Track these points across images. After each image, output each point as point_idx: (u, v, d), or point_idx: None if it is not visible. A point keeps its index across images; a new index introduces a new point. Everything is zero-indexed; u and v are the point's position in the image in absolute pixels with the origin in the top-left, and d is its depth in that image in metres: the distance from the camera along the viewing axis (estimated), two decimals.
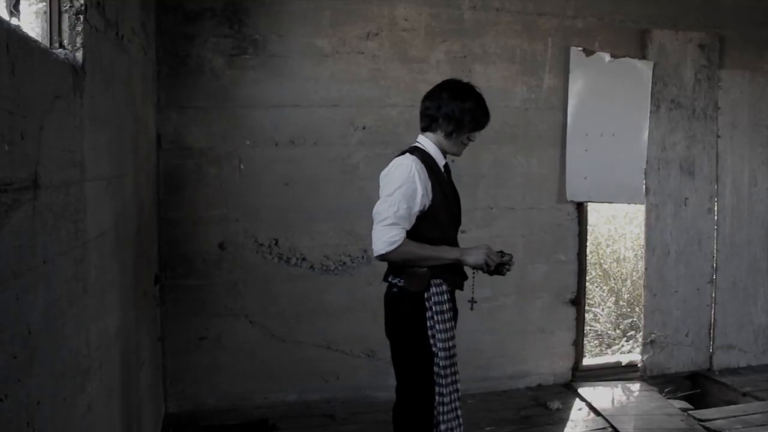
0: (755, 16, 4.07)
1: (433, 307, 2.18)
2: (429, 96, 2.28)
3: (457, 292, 2.33)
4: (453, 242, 2.30)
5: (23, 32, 1.30)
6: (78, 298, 1.55)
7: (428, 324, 2.18)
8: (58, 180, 1.40)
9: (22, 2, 1.48)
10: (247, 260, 3.37)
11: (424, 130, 2.29)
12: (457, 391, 2.22)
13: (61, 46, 1.59)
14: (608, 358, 4.37)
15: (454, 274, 2.27)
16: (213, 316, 3.35)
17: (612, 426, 3.23)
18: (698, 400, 3.94)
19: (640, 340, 4.21)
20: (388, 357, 3.51)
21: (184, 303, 3.31)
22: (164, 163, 3.25)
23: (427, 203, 2.17)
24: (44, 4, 1.54)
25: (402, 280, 2.21)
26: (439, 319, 2.18)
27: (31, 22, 1.52)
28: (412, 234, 2.17)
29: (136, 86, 2.50)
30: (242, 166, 3.34)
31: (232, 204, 3.34)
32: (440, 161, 2.27)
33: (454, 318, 2.29)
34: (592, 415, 3.42)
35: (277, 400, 3.44)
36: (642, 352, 4.00)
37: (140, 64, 2.62)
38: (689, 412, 3.45)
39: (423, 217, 2.18)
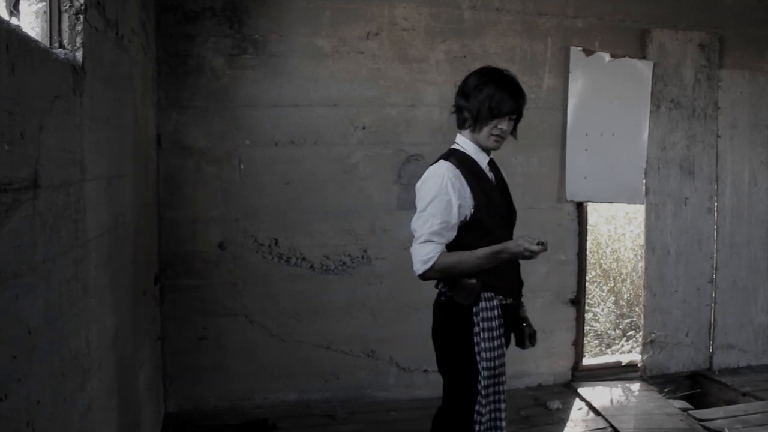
0: (755, 16, 4.07)
1: (481, 323, 2.04)
2: (457, 90, 2.16)
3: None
4: None
5: (23, 32, 1.30)
6: (78, 298, 1.55)
7: (475, 340, 2.04)
8: (58, 180, 1.40)
9: (21, 2, 1.48)
10: (247, 260, 3.37)
11: (458, 127, 2.16)
12: (498, 410, 2.08)
13: (61, 45, 1.59)
14: (608, 358, 4.37)
15: (503, 281, 2.10)
16: (213, 315, 3.35)
17: (612, 426, 3.24)
18: (698, 400, 3.94)
19: (639, 339, 4.21)
20: (387, 356, 3.56)
21: (183, 303, 3.31)
22: (164, 162, 3.26)
23: (469, 213, 2.04)
24: (44, 3, 1.54)
25: (450, 290, 2.10)
26: (487, 336, 2.04)
27: (31, 22, 1.52)
28: (460, 245, 2.04)
29: (135, 86, 2.50)
30: (242, 166, 3.34)
31: (232, 204, 3.34)
32: (482, 160, 2.13)
33: (506, 336, 2.13)
34: (591, 414, 3.42)
35: (277, 400, 3.44)
36: (642, 352, 4.01)
37: (140, 63, 2.62)
38: (689, 411, 3.45)
39: (467, 226, 2.05)
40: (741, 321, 4.13)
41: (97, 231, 1.77)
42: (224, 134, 3.32)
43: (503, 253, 1.99)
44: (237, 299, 3.37)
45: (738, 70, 4.05)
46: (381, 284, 3.53)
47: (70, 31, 1.60)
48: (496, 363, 2.05)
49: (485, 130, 2.07)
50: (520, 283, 2.20)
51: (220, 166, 3.32)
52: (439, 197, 2.00)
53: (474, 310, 2.04)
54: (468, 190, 2.03)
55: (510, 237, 2.13)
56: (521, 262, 2.14)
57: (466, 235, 2.05)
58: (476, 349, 2.04)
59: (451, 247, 2.06)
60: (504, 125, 2.07)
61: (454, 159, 2.07)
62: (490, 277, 2.04)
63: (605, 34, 3.80)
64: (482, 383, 2.04)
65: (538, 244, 1.92)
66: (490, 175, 2.15)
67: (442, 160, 2.09)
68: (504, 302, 2.10)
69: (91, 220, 1.69)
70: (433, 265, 1.99)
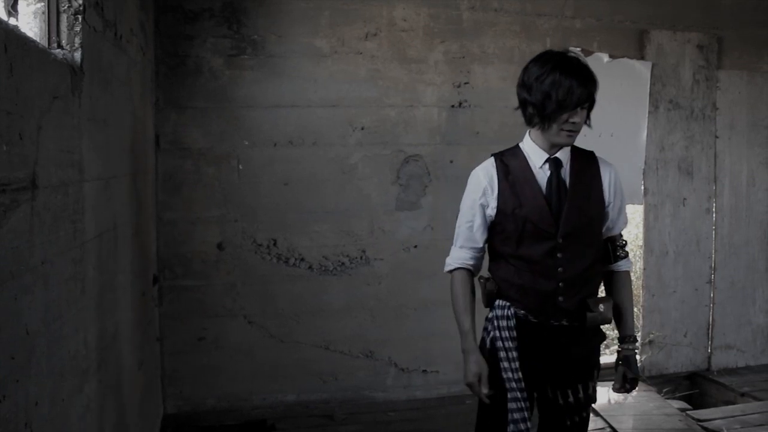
0: (754, 17, 4.08)
1: (496, 333, 1.87)
2: (518, 82, 1.89)
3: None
4: (535, 258, 1.85)
5: (21, 32, 1.30)
6: (76, 299, 1.55)
7: (497, 346, 1.87)
8: (57, 180, 1.40)
9: (20, 2, 1.48)
10: (245, 261, 3.36)
11: (527, 124, 1.93)
12: None
13: (60, 46, 1.59)
14: (607, 358, 4.36)
15: (525, 297, 1.86)
16: (211, 316, 3.35)
17: (610, 426, 3.24)
18: (697, 400, 3.94)
19: (638, 340, 4.22)
20: (386, 357, 3.56)
21: (182, 303, 3.31)
22: (163, 163, 3.25)
23: (492, 214, 1.89)
24: (42, 4, 1.54)
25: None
26: (504, 354, 1.85)
27: (30, 23, 1.52)
28: (491, 247, 1.97)
29: (134, 86, 2.50)
30: (241, 167, 3.34)
31: (231, 204, 3.34)
32: (538, 159, 1.88)
33: (533, 358, 1.87)
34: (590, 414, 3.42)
35: (276, 401, 3.44)
36: (640, 353, 4.01)
37: (139, 64, 2.62)
38: (688, 412, 3.46)
39: (492, 228, 1.92)
40: (739, 321, 4.14)
41: (96, 231, 1.77)
42: (223, 135, 3.31)
43: (463, 350, 1.92)
44: (235, 300, 3.37)
45: (736, 71, 4.06)
46: (380, 285, 3.53)
47: (69, 31, 1.60)
48: (514, 386, 1.83)
49: (554, 126, 1.80)
50: (559, 309, 1.84)
51: (219, 166, 3.32)
52: (466, 196, 1.96)
53: (489, 315, 1.94)
54: (496, 190, 1.88)
55: (553, 251, 1.83)
56: (580, 278, 1.87)
57: (493, 238, 1.93)
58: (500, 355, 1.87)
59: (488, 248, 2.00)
60: (576, 118, 1.79)
61: (499, 155, 1.95)
62: (509, 286, 1.89)
63: (604, 34, 3.80)
64: (508, 406, 1.82)
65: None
66: (544, 175, 1.88)
67: (490, 157, 1.98)
68: (526, 318, 1.87)
69: (90, 220, 1.69)
70: (451, 275, 1.97)
